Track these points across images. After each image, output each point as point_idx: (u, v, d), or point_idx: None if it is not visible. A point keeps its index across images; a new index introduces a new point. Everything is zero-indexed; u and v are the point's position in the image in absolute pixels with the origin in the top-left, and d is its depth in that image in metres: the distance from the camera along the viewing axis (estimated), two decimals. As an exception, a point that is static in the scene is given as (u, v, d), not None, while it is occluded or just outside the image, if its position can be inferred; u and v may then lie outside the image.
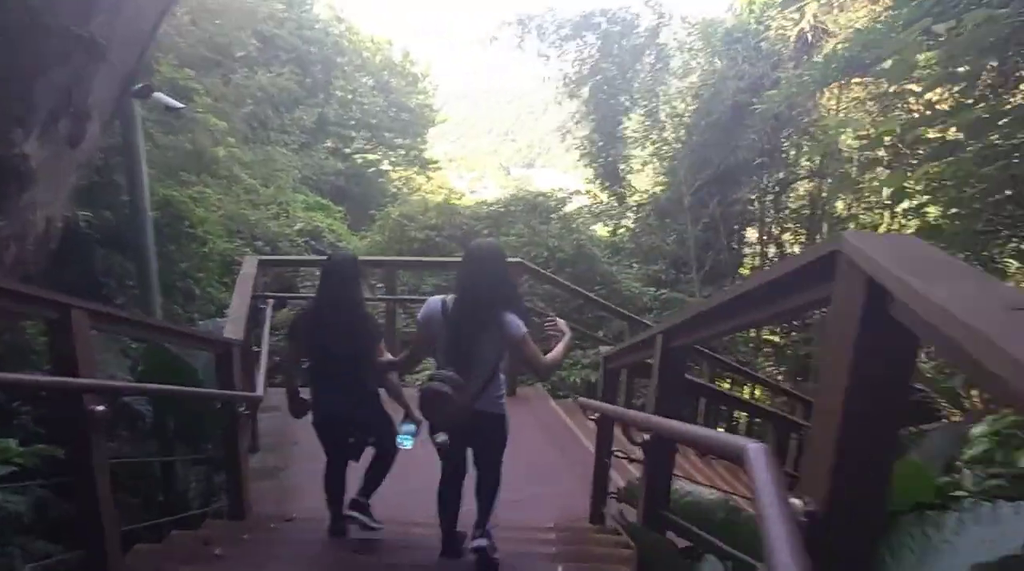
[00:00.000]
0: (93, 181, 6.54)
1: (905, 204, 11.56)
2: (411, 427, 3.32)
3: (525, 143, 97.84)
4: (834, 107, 10.00)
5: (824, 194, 11.02)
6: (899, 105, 9.72)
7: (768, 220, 12.23)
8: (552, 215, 11.06)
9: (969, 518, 1.44)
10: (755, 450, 1.21)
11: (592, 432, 5.98)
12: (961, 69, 3.37)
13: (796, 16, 9.98)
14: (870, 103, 10.11)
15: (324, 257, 4.14)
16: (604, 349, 3.97)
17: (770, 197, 12.04)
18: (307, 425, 5.68)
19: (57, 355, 2.39)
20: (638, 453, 4.23)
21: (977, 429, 2.53)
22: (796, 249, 12.71)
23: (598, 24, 11.48)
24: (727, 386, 8.99)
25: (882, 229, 11.91)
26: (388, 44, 24.17)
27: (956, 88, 3.38)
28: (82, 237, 6.22)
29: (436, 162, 25.30)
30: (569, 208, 12.14)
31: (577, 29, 11.64)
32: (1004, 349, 0.68)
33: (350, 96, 20.53)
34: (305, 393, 3.45)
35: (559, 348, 2.97)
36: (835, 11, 9.83)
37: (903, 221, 11.96)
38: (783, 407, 9.25)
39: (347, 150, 20.54)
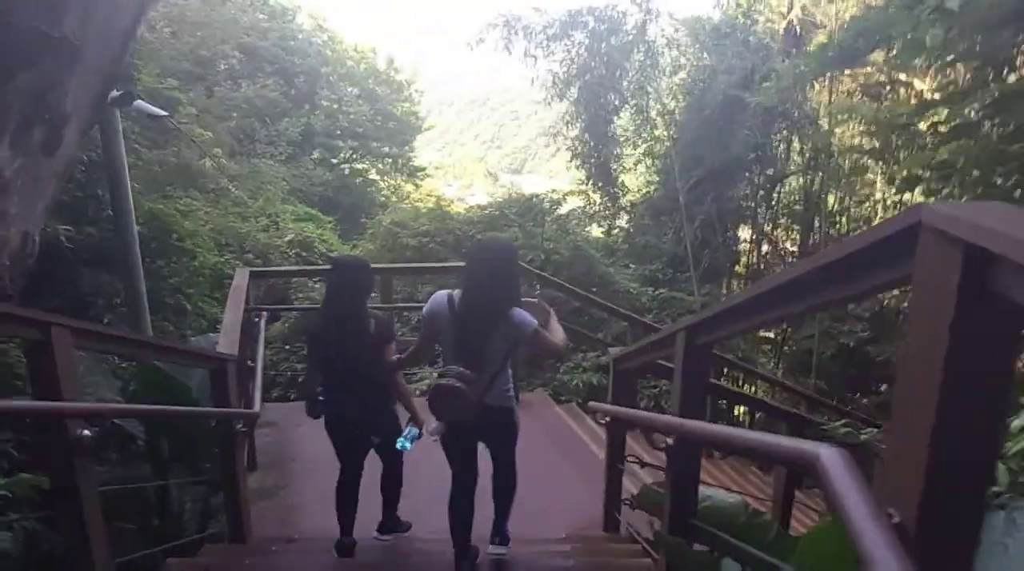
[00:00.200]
0: (76, 196, 6.37)
1: (896, 197, 11.62)
2: (414, 432, 3.26)
3: (511, 149, 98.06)
4: (825, 100, 9.96)
5: (815, 188, 10.97)
6: (890, 96, 9.73)
7: (761, 217, 12.17)
8: (547, 218, 10.95)
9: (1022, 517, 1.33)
10: (831, 457, 1.06)
11: (597, 436, 5.89)
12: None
13: (784, 9, 9.95)
14: (858, 95, 10.10)
15: (320, 267, 4.03)
16: (613, 350, 3.83)
17: (762, 193, 11.99)
18: (305, 441, 5.57)
19: (38, 378, 2.22)
20: (648, 457, 4.12)
21: (1018, 422, 2.40)
22: (788, 245, 12.69)
23: (585, 23, 11.38)
24: (723, 383, 8.90)
25: (875, 222, 11.93)
26: (372, 52, 24.09)
27: (974, 65, 3.29)
28: (66, 255, 6.04)
29: (424, 170, 25.20)
30: (563, 210, 12.04)
31: (564, 28, 11.54)
32: None
33: (336, 106, 20.43)
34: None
35: (555, 325, 2.98)
36: (824, 2, 9.81)
37: (895, 213, 11.97)
38: (786, 403, 9.16)
39: (334, 160, 20.45)
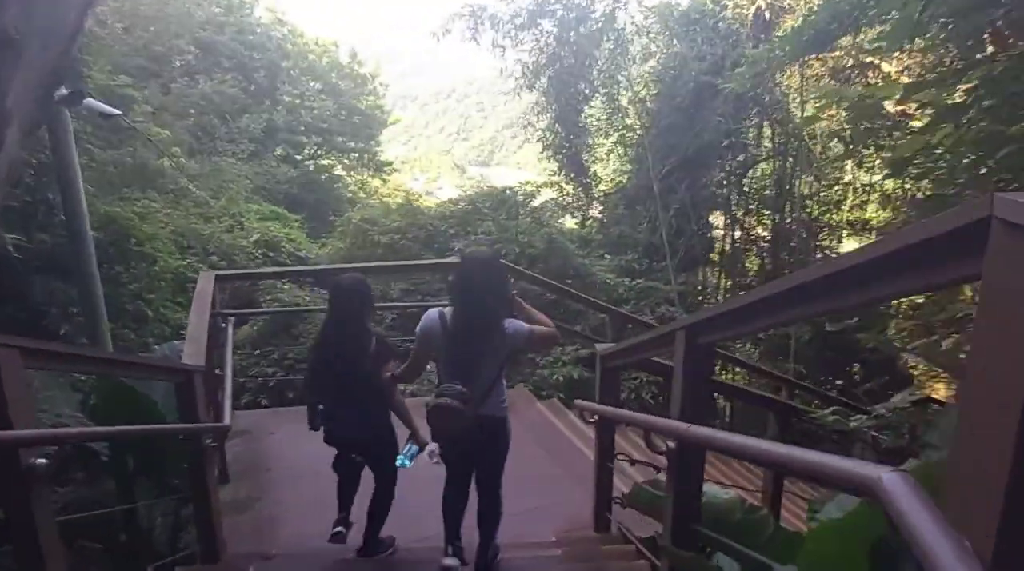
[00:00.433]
0: (25, 201, 6.03)
1: (866, 178, 11.75)
2: (414, 449, 3.23)
3: (478, 141, 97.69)
4: (795, 84, 9.97)
5: (788, 172, 11.01)
6: (858, 79, 9.77)
7: (733, 203, 12.19)
8: (521, 210, 10.79)
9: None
10: (895, 482, 0.93)
11: (582, 432, 5.79)
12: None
13: (753, -6, 9.93)
14: (826, 80, 10.14)
15: (289, 268, 3.91)
16: (601, 346, 3.71)
17: (733, 179, 12.01)
18: (279, 448, 5.37)
19: (-16, 404, 2.00)
20: (637, 455, 4.02)
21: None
22: (760, 230, 12.75)
23: (554, 11, 11.24)
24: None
25: (846, 206, 12.06)
26: (334, 46, 23.58)
27: (968, 43, 3.23)
28: (15, 264, 5.71)
29: (391, 164, 24.85)
30: (536, 202, 11.90)
31: (532, 17, 11.37)
32: None
33: (298, 101, 19.96)
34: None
35: (533, 312, 3.00)
36: (792, -14, 9.80)
37: (865, 197, 12.12)
38: (765, 389, 9.19)
39: (299, 156, 20.02)
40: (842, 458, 1.03)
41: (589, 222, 13.47)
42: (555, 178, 13.48)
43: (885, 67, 8.97)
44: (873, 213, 11.67)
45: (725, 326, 1.99)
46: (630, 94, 11.96)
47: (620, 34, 11.43)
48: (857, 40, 8.54)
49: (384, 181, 23.55)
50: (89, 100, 5.24)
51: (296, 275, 9.60)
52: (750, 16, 10.22)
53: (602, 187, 13.79)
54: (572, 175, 13.25)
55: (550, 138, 12.94)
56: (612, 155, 13.65)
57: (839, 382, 10.58)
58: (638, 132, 11.76)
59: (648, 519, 3.14)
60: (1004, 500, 0.85)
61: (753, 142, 11.80)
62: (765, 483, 4.46)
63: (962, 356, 3.51)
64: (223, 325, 5.17)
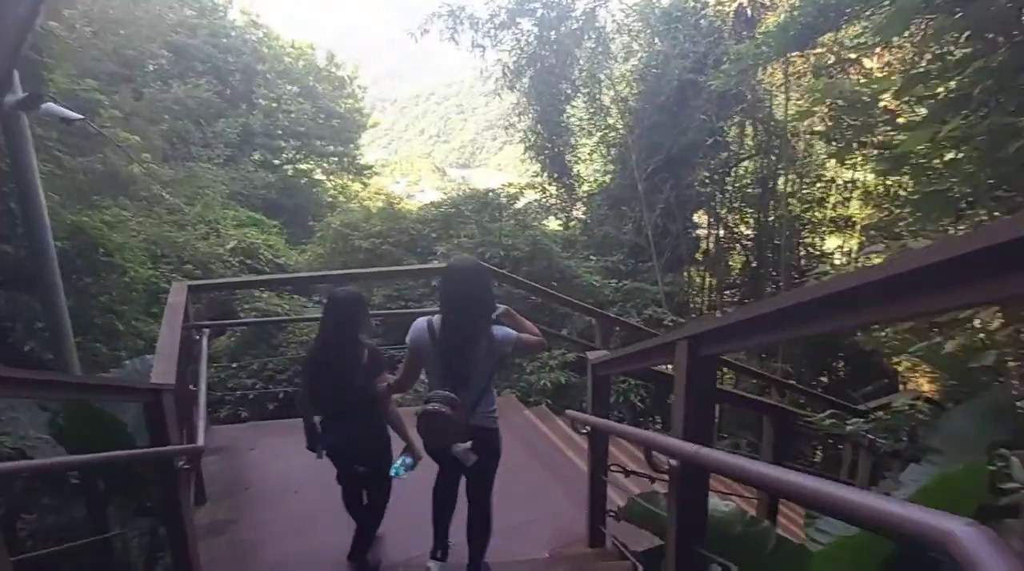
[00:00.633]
0: (-16, 212, 5.76)
1: (848, 175, 11.73)
2: (409, 460, 3.19)
3: (458, 143, 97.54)
4: (778, 83, 9.91)
5: (773, 169, 10.96)
6: (839, 76, 9.73)
7: (716, 202, 12.13)
8: (503, 213, 10.62)
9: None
10: (975, 540, 0.78)
11: (572, 441, 5.63)
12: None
13: (734, -9, 9.85)
14: (808, 76, 10.10)
15: (268, 276, 3.75)
16: (593, 354, 3.55)
17: (716, 177, 11.95)
18: (258, 466, 5.16)
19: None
20: (632, 465, 3.87)
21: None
22: (743, 229, 12.69)
23: (533, 10, 11.10)
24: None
25: (829, 203, 12.04)
26: (311, 49, 23.26)
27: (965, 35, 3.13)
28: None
29: (371, 167, 24.57)
30: (520, 204, 11.73)
31: (512, 16, 11.22)
32: None
33: (275, 104, 19.64)
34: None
35: (521, 320, 3.03)
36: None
37: (848, 194, 12.11)
38: (753, 389, 9.12)
39: (276, 161, 19.71)
40: (905, 504, 0.87)
41: (573, 223, 13.35)
42: (538, 179, 13.35)
43: (867, 63, 8.93)
44: (856, 210, 11.66)
45: (734, 337, 1.83)
46: (612, 93, 11.85)
47: (601, 33, 11.33)
48: (839, 37, 8.50)
49: (364, 185, 23.28)
50: (49, 104, 4.98)
51: (274, 285, 9.31)
52: (732, 13, 10.15)
53: (586, 188, 13.68)
54: (555, 176, 13.13)
55: (532, 139, 12.81)
56: (595, 155, 13.53)
57: (823, 379, 10.56)
58: (621, 131, 11.64)
59: (644, 532, 3.01)
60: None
61: (736, 140, 11.75)
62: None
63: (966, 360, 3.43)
64: (197, 337, 4.93)
